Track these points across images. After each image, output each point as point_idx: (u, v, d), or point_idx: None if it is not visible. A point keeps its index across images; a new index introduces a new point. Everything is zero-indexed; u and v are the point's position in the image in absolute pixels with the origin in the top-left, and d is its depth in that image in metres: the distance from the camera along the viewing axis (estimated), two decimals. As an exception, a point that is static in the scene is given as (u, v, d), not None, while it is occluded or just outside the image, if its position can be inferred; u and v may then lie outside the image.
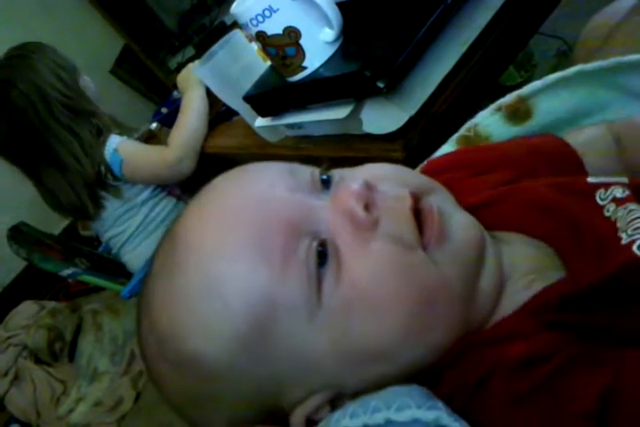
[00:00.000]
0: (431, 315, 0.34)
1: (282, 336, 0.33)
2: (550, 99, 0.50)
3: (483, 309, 0.36)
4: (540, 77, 0.50)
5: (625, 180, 0.39)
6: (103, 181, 1.35)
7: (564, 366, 0.30)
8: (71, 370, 1.80)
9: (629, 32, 0.55)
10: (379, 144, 0.68)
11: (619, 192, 0.37)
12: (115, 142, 1.32)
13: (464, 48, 0.64)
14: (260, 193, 0.37)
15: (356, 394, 0.35)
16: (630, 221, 0.35)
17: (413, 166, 0.57)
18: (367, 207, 0.35)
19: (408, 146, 0.66)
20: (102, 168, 1.32)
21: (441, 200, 0.39)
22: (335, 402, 0.36)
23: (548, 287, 0.35)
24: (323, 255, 0.34)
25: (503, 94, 0.52)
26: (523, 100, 0.51)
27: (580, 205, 0.39)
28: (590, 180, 0.40)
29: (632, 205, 0.36)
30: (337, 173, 0.40)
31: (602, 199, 0.38)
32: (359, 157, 0.73)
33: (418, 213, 0.37)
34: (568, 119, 0.51)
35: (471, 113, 0.54)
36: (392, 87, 0.60)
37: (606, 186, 0.39)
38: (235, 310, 0.33)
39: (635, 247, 0.33)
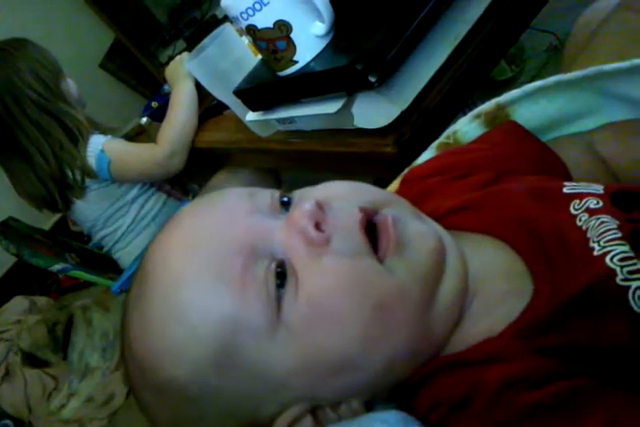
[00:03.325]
0: (387, 322, 0.35)
1: (248, 355, 0.34)
2: (529, 106, 0.51)
3: (445, 314, 0.37)
4: (530, 72, 0.50)
5: (600, 189, 0.40)
6: (70, 185, 1.33)
7: (552, 403, 0.30)
8: (62, 366, 1.80)
9: (613, 29, 0.55)
10: (370, 139, 0.68)
11: (592, 203, 0.38)
12: (99, 143, 1.30)
13: (456, 42, 0.64)
14: (218, 218, 0.38)
15: (335, 404, 0.36)
16: (602, 233, 0.35)
17: (405, 161, 0.57)
18: (318, 225, 0.36)
19: (400, 140, 0.65)
20: (75, 173, 1.30)
21: (396, 211, 0.39)
22: (316, 411, 0.36)
23: (527, 308, 0.35)
24: (282, 276, 0.35)
25: (495, 89, 0.52)
26: (501, 107, 0.51)
27: (554, 215, 0.39)
28: (566, 190, 0.41)
29: (604, 217, 0.36)
30: (297, 194, 0.41)
31: (575, 209, 0.39)
32: (351, 152, 0.72)
33: (374, 227, 0.38)
34: (547, 126, 0.51)
35: (463, 107, 0.54)
36: (384, 81, 0.60)
37: (581, 196, 0.39)
38: (201, 334, 0.34)
39: (607, 259, 0.34)
